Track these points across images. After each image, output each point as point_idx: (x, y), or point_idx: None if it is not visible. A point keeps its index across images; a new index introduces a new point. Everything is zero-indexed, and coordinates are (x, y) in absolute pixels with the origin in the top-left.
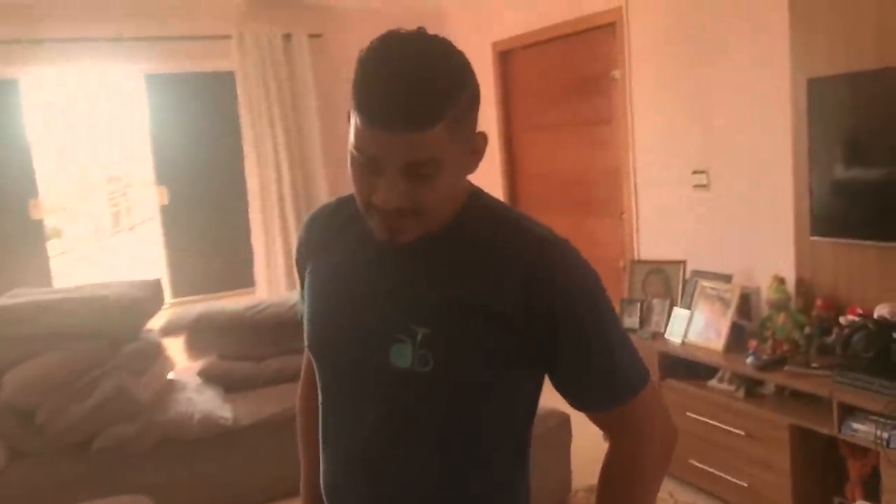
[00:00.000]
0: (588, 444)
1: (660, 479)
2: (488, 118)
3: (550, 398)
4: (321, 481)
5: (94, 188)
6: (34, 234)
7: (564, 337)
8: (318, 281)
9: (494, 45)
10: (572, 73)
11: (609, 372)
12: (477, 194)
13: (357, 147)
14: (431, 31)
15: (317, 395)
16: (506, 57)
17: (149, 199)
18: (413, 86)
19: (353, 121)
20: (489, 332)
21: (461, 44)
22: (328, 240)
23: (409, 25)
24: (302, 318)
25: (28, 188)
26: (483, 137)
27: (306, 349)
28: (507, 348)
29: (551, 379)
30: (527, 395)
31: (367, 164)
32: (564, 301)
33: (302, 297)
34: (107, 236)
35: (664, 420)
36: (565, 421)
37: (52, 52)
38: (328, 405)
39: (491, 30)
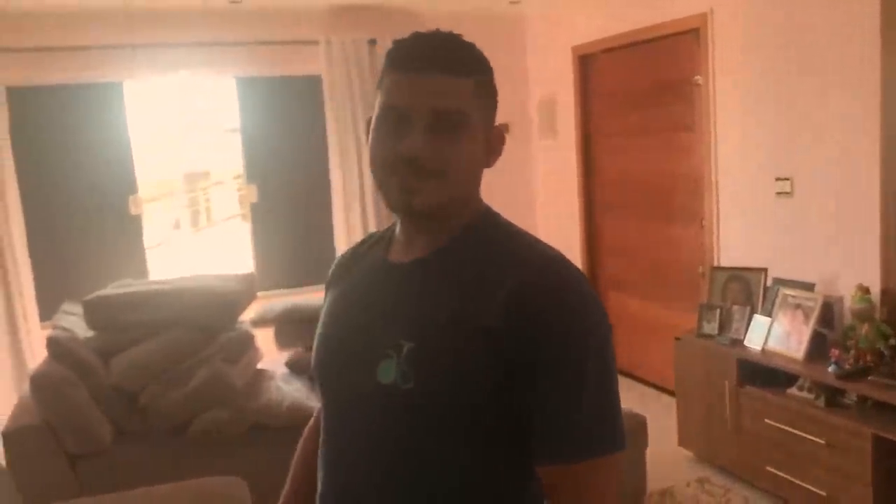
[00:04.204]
0: (664, 448)
1: None
2: (566, 122)
3: (627, 401)
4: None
5: (183, 185)
6: (133, 229)
7: (535, 367)
8: (327, 309)
9: (574, 49)
10: (654, 78)
11: (565, 420)
12: (490, 214)
13: (387, 104)
14: (512, 34)
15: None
16: (586, 61)
17: (233, 197)
18: (447, 41)
19: (380, 94)
20: (473, 348)
21: (541, 47)
22: (345, 272)
23: (491, 30)
24: None
25: (128, 185)
26: (499, 131)
27: None
28: (490, 367)
29: None
30: (518, 427)
31: (396, 121)
32: (546, 328)
33: None
34: (193, 231)
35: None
36: (641, 424)
37: (151, 56)
38: (325, 427)
39: (571, 34)
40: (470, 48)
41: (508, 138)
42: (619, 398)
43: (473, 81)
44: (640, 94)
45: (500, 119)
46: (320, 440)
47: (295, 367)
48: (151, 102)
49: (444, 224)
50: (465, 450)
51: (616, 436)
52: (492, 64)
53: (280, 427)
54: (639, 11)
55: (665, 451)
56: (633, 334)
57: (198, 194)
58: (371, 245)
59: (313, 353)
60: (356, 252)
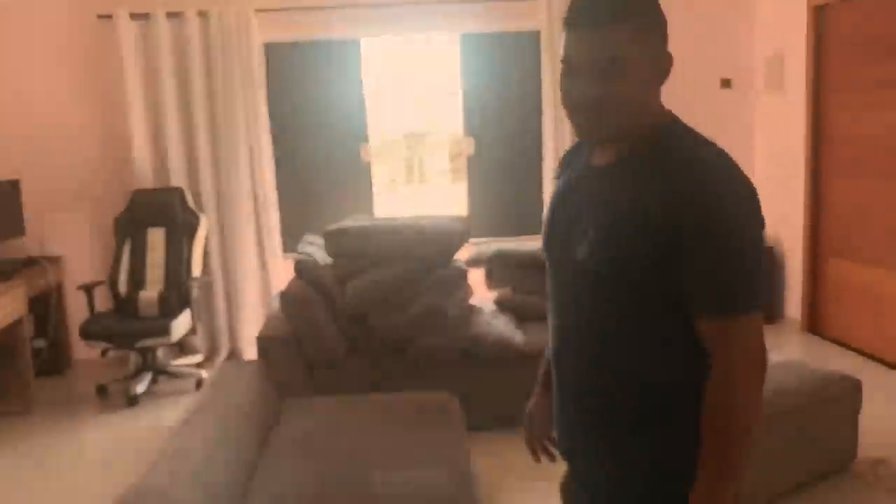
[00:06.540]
0: (880, 415)
1: (753, 406)
2: (796, 78)
3: (842, 363)
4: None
5: (402, 139)
6: (363, 175)
7: (685, 246)
8: (552, 198)
9: (809, 0)
10: None
11: (716, 283)
12: (671, 127)
13: (562, 57)
14: None
15: None
16: (822, 12)
17: (444, 157)
18: None
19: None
20: (638, 235)
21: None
22: (566, 166)
23: None
24: None
25: (360, 135)
26: (669, 57)
27: None
28: (651, 248)
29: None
30: (679, 298)
31: (567, 70)
32: (694, 209)
33: None
34: (406, 187)
35: (759, 354)
36: (856, 387)
37: (385, 15)
38: (549, 287)
39: None
40: None
41: (729, 93)
42: (760, 272)
43: (630, 25)
44: (889, 45)
45: (721, 73)
46: (549, 298)
47: (503, 306)
48: (381, 61)
49: (625, 139)
50: (635, 312)
51: (754, 298)
52: (715, 17)
53: (487, 357)
54: None
55: (882, 419)
56: (861, 304)
57: (413, 153)
58: (580, 149)
59: (542, 233)
60: (578, 149)
